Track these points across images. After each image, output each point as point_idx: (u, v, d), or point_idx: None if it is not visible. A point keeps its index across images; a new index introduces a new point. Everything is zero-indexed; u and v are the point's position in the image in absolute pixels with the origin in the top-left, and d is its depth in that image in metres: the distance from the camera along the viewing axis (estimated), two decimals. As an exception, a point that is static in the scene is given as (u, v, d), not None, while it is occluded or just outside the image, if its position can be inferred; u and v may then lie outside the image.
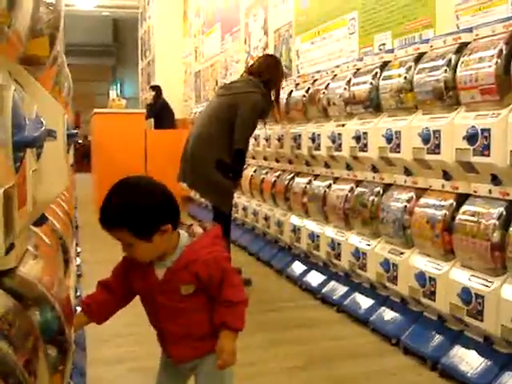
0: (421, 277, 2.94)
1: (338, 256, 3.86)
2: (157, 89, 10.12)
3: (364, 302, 3.58)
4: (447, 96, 2.83)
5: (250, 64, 5.27)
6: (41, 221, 1.24)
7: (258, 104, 4.40)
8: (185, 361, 1.89)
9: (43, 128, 0.65)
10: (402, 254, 3.19)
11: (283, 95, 4.78)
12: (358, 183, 3.74)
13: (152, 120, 10.12)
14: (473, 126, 2.57)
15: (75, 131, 2.50)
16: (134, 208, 1.75)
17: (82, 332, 2.93)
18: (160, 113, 9.85)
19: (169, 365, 1.97)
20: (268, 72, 4.54)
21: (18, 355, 0.93)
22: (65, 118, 1.80)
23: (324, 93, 4.14)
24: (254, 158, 5.73)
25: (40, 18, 1.12)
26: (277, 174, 5.11)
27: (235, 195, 4.83)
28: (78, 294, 2.95)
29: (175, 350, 1.89)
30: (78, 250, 4.48)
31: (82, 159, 9.58)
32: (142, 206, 1.75)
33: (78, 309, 1.96)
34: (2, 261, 1.03)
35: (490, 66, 2.53)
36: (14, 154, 0.60)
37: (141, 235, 1.75)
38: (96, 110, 9.14)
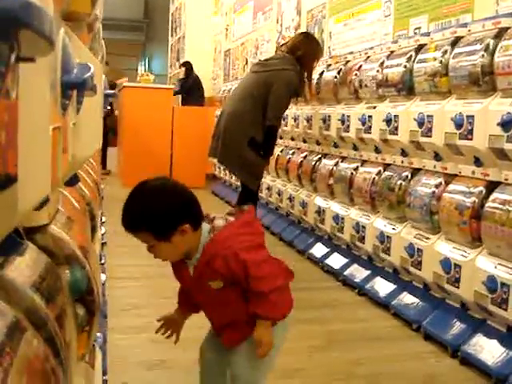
0: (446, 263, 2.91)
1: (361, 239, 3.84)
2: (188, 65, 10.12)
3: (386, 286, 3.56)
4: (483, 81, 2.79)
5: (285, 41, 5.21)
6: (73, 181, 1.24)
7: (292, 82, 4.38)
8: (235, 345, 1.91)
9: (91, 72, 0.64)
10: (427, 239, 3.16)
11: (314, 75, 4.74)
12: (386, 167, 3.71)
13: (179, 96, 10.12)
14: (508, 113, 2.53)
15: (113, 91, 2.50)
16: (150, 210, 1.79)
17: (103, 300, 2.95)
18: (192, 87, 9.86)
19: (216, 337, 2.01)
20: (301, 48, 4.49)
21: (48, 309, 0.94)
22: (103, 77, 1.79)
23: (356, 74, 4.10)
24: (281, 137, 5.70)
25: (83, -25, 1.12)
26: (303, 154, 5.08)
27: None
28: (103, 261, 2.97)
29: (225, 336, 1.93)
30: (103, 219, 4.50)
31: (107, 133, 9.60)
32: (158, 208, 1.79)
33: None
34: (35, 217, 1.04)
35: (529, 52, 2.48)
36: (61, 96, 0.60)
37: (160, 236, 1.78)
38: (125, 84, 9.15)
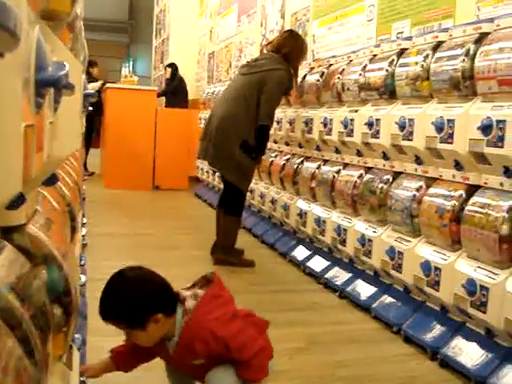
0: (426, 266, 2.93)
1: (343, 242, 3.85)
2: (173, 66, 10.11)
3: (367, 288, 3.57)
4: (463, 86, 2.81)
5: (269, 40, 5.22)
6: (52, 180, 1.23)
7: (284, 80, 4.41)
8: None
9: (66, 70, 0.64)
10: (408, 242, 3.18)
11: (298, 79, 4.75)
12: (368, 170, 3.73)
13: (163, 98, 10.11)
14: (488, 117, 2.55)
15: (92, 91, 2.50)
16: (122, 304, 1.84)
17: (83, 301, 2.94)
18: (177, 88, 9.85)
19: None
20: (287, 46, 4.51)
21: (24, 309, 0.93)
22: (83, 77, 1.79)
23: (339, 78, 4.12)
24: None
25: (62, -26, 1.11)
26: (286, 157, 5.09)
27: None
28: (83, 262, 2.95)
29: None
30: (84, 220, 4.48)
31: (91, 133, 9.58)
32: (129, 302, 1.84)
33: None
34: (12, 216, 1.03)
35: (509, 58, 2.50)
36: (35, 94, 0.60)
37: (136, 326, 1.85)
38: (108, 85, 9.13)
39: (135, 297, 1.84)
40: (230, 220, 4.50)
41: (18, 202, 0.89)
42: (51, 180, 1.20)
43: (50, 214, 1.56)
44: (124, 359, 2.04)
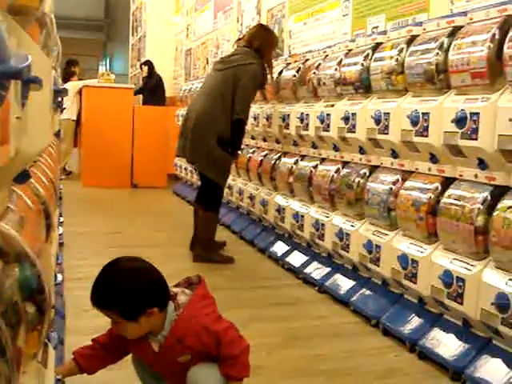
0: (403, 259, 2.95)
1: (321, 236, 3.86)
2: (149, 63, 10.07)
3: (345, 282, 3.59)
4: (438, 79, 2.83)
5: (241, 36, 5.26)
6: (23, 177, 1.22)
7: (258, 75, 4.45)
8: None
9: (29, 62, 0.63)
10: (385, 235, 3.20)
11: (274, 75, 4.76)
12: (345, 164, 3.74)
13: (140, 96, 10.07)
14: (462, 110, 2.57)
15: (63, 87, 2.48)
16: (120, 292, 1.83)
17: (61, 301, 2.92)
18: (155, 86, 9.81)
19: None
20: (258, 39, 4.54)
21: (-6, 306, 0.92)
22: (52, 73, 1.77)
23: (315, 73, 4.12)
24: (241, 136, 5.71)
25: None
26: (264, 153, 5.10)
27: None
28: (60, 261, 2.93)
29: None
30: (61, 219, 4.46)
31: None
32: (128, 291, 1.83)
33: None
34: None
35: (482, 50, 2.52)
36: (-4, 86, 0.59)
37: (129, 317, 1.84)
38: (85, 83, 9.07)
39: (135, 288, 1.84)
40: (207, 216, 4.51)
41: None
42: (23, 177, 1.19)
43: (23, 212, 1.55)
44: (88, 360, 2.03)
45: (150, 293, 1.86)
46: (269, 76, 4.62)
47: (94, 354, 2.03)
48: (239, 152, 4.82)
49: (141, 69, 10.48)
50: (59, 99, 2.33)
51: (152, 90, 9.81)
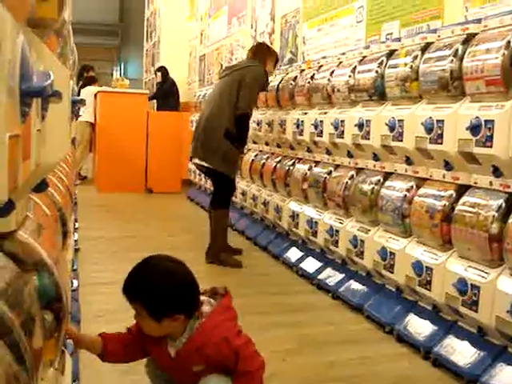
0: (418, 266, 2.94)
1: (335, 243, 3.86)
2: (163, 69, 10.10)
3: (359, 289, 3.58)
4: (452, 86, 2.82)
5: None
6: (42, 187, 1.24)
7: (260, 75, 4.67)
8: None
9: (51, 80, 0.65)
10: (399, 242, 3.19)
11: (290, 81, 4.84)
12: (359, 171, 3.74)
13: (155, 101, 10.10)
14: (476, 117, 2.56)
15: (81, 97, 2.51)
16: (155, 290, 1.84)
17: (77, 306, 2.94)
18: (169, 91, 9.84)
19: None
20: (260, 51, 4.89)
21: (14, 316, 0.93)
22: (71, 84, 1.79)
23: (329, 80, 4.13)
24: (255, 142, 5.72)
25: (49, -18, 1.12)
26: (278, 159, 5.10)
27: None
28: (75, 267, 2.96)
29: None
30: (77, 225, 4.49)
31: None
32: (163, 291, 1.84)
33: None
34: (2, 224, 1.03)
35: (496, 58, 2.52)
36: (20, 103, 0.61)
37: (153, 315, 1.85)
38: (99, 89, 9.11)
39: (171, 293, 1.85)
40: (218, 213, 4.64)
41: (6, 209, 0.89)
42: (41, 187, 1.21)
43: (40, 219, 1.57)
44: (114, 346, 2.00)
45: (181, 300, 1.87)
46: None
47: (121, 343, 2.01)
48: (245, 146, 5.01)
49: (155, 75, 10.53)
50: (76, 108, 2.36)
51: (166, 95, 9.83)
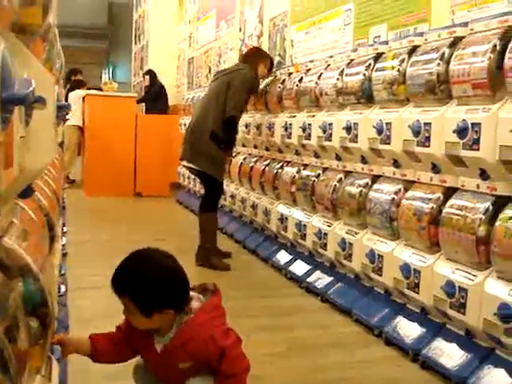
0: (405, 268, 2.95)
1: (324, 246, 3.87)
2: (151, 72, 10.10)
3: (348, 292, 3.59)
4: (439, 89, 2.83)
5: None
6: (27, 193, 1.23)
7: (248, 77, 4.72)
8: None
9: (33, 87, 0.64)
10: (388, 245, 3.20)
11: (279, 84, 4.85)
12: (347, 174, 3.75)
13: (143, 104, 10.09)
14: (463, 120, 2.57)
15: (66, 103, 2.51)
16: (145, 284, 1.82)
17: (65, 311, 2.93)
18: (157, 94, 9.83)
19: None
20: (251, 55, 5.00)
21: (-2, 323, 0.93)
22: (55, 89, 1.79)
23: (317, 83, 4.13)
24: (244, 145, 5.73)
25: (33, -13, 1.11)
26: (266, 162, 5.11)
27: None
28: (63, 272, 2.94)
29: None
30: (65, 229, 4.47)
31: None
32: (153, 285, 1.82)
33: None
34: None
35: (482, 61, 2.53)
36: (1, 111, 0.60)
37: (142, 309, 1.82)
38: (88, 92, 9.10)
39: (161, 288, 1.83)
40: (206, 216, 4.68)
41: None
42: (26, 192, 1.20)
43: (26, 225, 1.56)
44: (103, 346, 1.99)
45: (172, 294, 1.86)
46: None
47: (109, 340, 2.00)
48: (232, 148, 5.00)
49: (143, 78, 10.52)
50: (62, 113, 2.35)
51: (154, 98, 9.82)
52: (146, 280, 1.83)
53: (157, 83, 9.96)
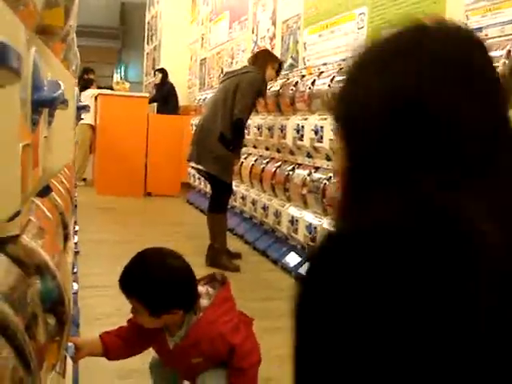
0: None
1: (334, 249, 3.86)
2: (164, 71, 10.11)
3: (358, 295, 3.59)
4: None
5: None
6: (45, 191, 1.25)
7: (256, 81, 4.72)
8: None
9: (61, 90, 0.66)
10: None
11: (291, 87, 4.86)
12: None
13: (155, 104, 10.11)
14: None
15: (85, 103, 2.53)
16: (152, 285, 1.81)
17: (76, 309, 2.95)
18: (167, 95, 9.85)
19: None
20: (260, 58, 4.99)
21: (18, 319, 0.94)
22: (75, 90, 1.80)
23: (329, 86, 4.14)
24: (255, 147, 5.74)
25: (56, -11, 1.13)
26: (277, 164, 5.12)
27: (234, 183, 5.05)
28: (75, 270, 2.96)
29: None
30: (76, 228, 4.49)
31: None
32: (161, 286, 1.81)
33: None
34: (6, 227, 1.04)
35: (497, 67, 2.53)
36: (32, 113, 0.62)
37: (150, 311, 1.82)
38: (100, 92, 9.13)
39: (169, 288, 1.82)
40: (215, 217, 4.69)
41: (13, 215, 0.90)
42: (45, 191, 1.22)
43: (42, 223, 1.58)
44: (114, 344, 1.99)
45: (180, 295, 1.85)
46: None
47: (121, 341, 2.00)
48: (240, 151, 5.01)
49: (154, 75, 10.53)
50: (79, 113, 2.38)
51: (165, 98, 9.84)
52: (153, 281, 1.82)
53: (167, 84, 9.98)
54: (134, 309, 1.87)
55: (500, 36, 2.65)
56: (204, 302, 1.93)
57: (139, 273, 1.85)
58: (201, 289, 1.96)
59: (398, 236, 0.70)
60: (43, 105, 0.64)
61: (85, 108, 2.54)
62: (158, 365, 2.08)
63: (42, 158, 0.79)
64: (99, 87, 9.82)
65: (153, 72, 11.36)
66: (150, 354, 2.10)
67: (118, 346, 1.99)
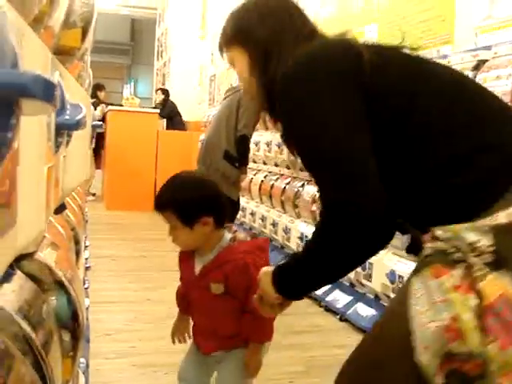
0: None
1: (343, 265, 3.87)
2: (166, 91, 10.19)
3: (367, 311, 3.59)
4: (462, 112, 2.84)
5: None
6: (61, 209, 1.27)
7: None
8: (211, 351, 2.01)
9: (84, 113, 0.67)
10: (408, 265, 3.20)
11: None
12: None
13: (164, 120, 10.17)
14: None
15: (100, 122, 2.56)
16: (182, 193, 1.92)
17: (86, 324, 2.96)
18: (170, 114, 9.90)
19: (196, 353, 2.07)
20: None
21: (35, 336, 0.96)
22: (91, 109, 1.83)
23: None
24: (265, 163, 5.76)
25: (74, 11, 1.15)
26: (287, 180, 5.13)
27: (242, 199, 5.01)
28: (86, 286, 2.98)
29: (202, 342, 2.04)
30: (87, 243, 4.51)
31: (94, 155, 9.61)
32: (189, 192, 1.92)
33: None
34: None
35: (506, 85, 2.55)
36: (55, 135, 0.64)
37: (184, 219, 1.89)
38: (110, 107, 9.18)
39: (200, 193, 1.93)
40: None
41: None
42: (60, 209, 1.24)
43: (56, 239, 1.59)
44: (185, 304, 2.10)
45: (208, 200, 1.94)
46: None
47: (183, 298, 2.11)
48: (247, 167, 4.96)
49: (156, 94, 10.59)
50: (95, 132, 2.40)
51: (169, 117, 9.89)
52: (185, 189, 1.93)
53: (168, 104, 10.03)
54: (171, 226, 1.94)
55: (510, 54, 2.66)
56: (241, 236, 2.01)
57: (172, 186, 1.97)
58: (241, 235, 2.03)
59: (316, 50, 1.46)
60: (66, 128, 0.66)
61: (100, 127, 2.56)
62: (187, 373, 2.09)
63: (61, 178, 0.81)
64: (109, 104, 9.86)
65: (157, 90, 11.43)
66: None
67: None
